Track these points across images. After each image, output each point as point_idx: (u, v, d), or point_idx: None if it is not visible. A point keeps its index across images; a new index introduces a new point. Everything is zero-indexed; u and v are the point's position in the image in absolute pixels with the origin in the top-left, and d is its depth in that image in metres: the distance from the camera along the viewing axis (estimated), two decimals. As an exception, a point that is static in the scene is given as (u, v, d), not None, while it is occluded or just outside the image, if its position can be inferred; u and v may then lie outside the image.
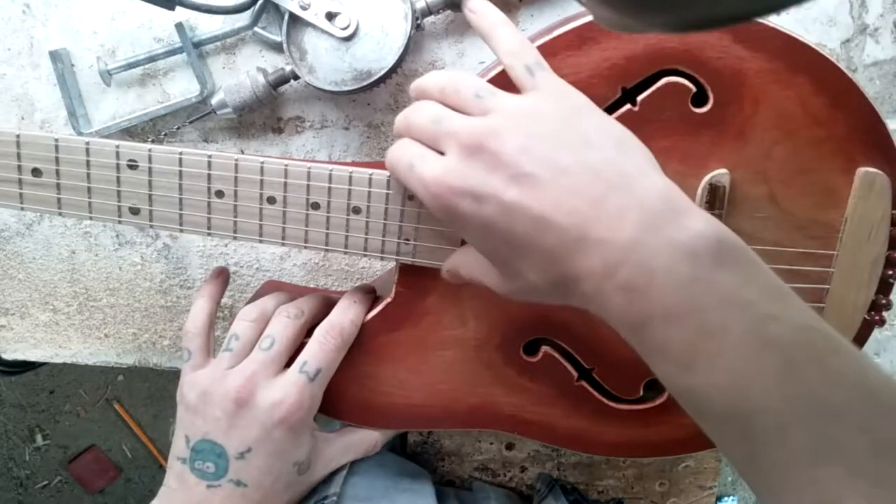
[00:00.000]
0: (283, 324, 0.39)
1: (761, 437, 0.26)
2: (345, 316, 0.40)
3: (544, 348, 0.42)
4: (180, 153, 0.38)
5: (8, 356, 0.55)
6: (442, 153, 0.32)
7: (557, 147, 0.30)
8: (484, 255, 0.33)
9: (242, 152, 0.49)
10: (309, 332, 0.41)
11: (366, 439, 0.44)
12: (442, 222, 0.36)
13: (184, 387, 0.39)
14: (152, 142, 0.48)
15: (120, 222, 0.39)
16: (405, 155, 0.33)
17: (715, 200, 0.39)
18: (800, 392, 0.26)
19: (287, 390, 0.38)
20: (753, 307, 0.27)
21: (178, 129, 0.48)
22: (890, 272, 0.41)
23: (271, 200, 0.38)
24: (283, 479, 0.39)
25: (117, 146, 0.38)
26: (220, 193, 0.38)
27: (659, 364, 0.29)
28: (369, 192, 0.38)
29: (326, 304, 0.42)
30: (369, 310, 0.42)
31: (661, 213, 0.29)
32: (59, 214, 0.39)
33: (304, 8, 0.42)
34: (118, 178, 0.38)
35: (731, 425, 0.27)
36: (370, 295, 0.42)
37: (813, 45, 0.37)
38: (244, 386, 0.37)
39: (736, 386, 0.26)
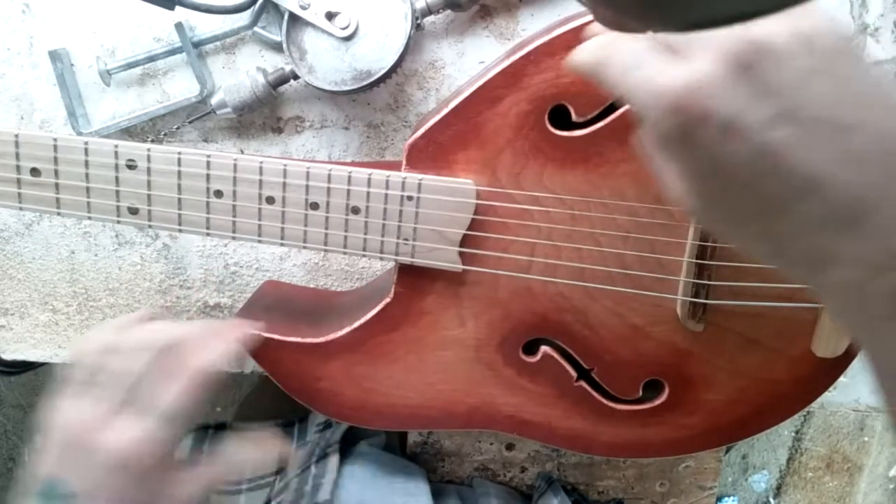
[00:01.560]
0: (134, 358, 0.36)
1: None
2: (208, 356, 0.37)
3: (543, 348, 0.42)
4: (179, 153, 0.38)
5: (7, 356, 0.55)
6: (685, 62, 0.24)
7: (839, 95, 0.23)
8: (697, 186, 0.26)
9: (242, 152, 0.49)
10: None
11: (219, 472, 0.40)
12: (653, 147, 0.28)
13: (55, 417, 0.36)
14: (152, 142, 0.48)
15: (119, 222, 0.39)
16: (625, 52, 0.26)
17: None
18: None
19: (131, 433, 0.34)
20: None
21: (177, 128, 0.48)
22: (890, 272, 0.41)
23: (270, 200, 0.38)
24: None
25: (116, 146, 0.38)
26: (218, 193, 0.38)
27: None
28: (368, 192, 0.38)
29: (195, 336, 0.38)
30: (369, 310, 0.42)
31: None
32: (58, 214, 0.39)
33: (303, 8, 0.42)
34: (117, 177, 0.38)
35: None
36: (253, 336, 0.40)
37: (813, 46, 0.37)
38: (88, 423, 0.34)
39: None
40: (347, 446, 0.53)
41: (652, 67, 0.25)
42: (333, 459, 0.48)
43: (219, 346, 0.37)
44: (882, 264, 0.23)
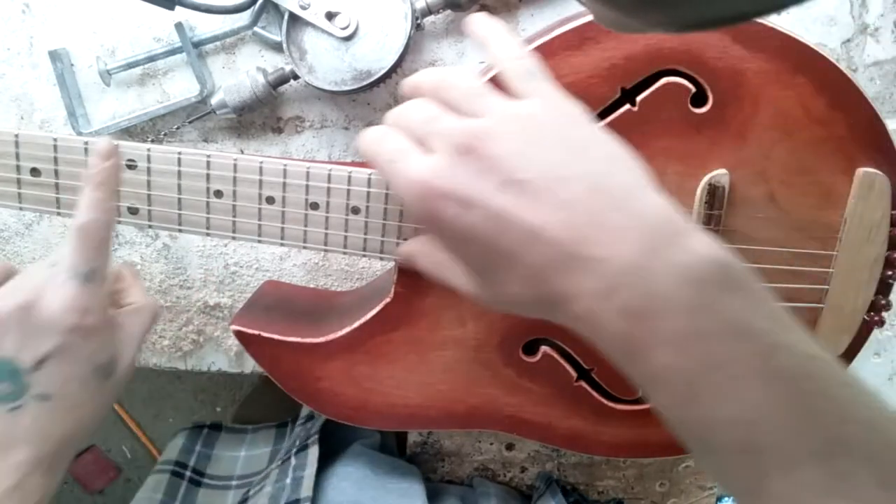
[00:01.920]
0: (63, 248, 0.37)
1: (766, 471, 0.25)
2: (84, 209, 0.36)
3: (543, 349, 0.42)
4: (179, 153, 0.38)
5: (7, 356, 0.55)
6: (428, 154, 0.30)
7: (553, 155, 0.29)
8: (462, 260, 0.31)
9: (242, 152, 0.49)
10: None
11: (141, 312, 0.40)
12: (420, 224, 0.35)
13: None
14: (152, 141, 0.48)
15: (119, 222, 0.39)
16: (388, 148, 0.31)
17: (714, 201, 0.39)
18: (808, 425, 0.25)
19: (67, 297, 0.35)
20: (761, 336, 0.26)
21: (177, 128, 0.48)
22: (889, 273, 0.41)
23: (270, 200, 0.38)
24: (90, 387, 0.36)
25: (116, 146, 0.38)
26: (218, 193, 0.38)
27: (658, 393, 0.27)
28: (368, 192, 0.38)
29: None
30: (369, 310, 0.42)
31: (663, 233, 0.27)
32: (58, 214, 0.39)
33: (303, 7, 0.42)
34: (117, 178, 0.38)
35: (737, 459, 0.26)
36: (108, 187, 0.37)
37: (813, 45, 0.37)
38: (30, 293, 0.35)
39: (744, 419, 0.25)
40: (341, 446, 0.53)
41: (403, 162, 0.30)
42: (313, 451, 0.48)
43: (82, 202, 0.36)
44: (603, 290, 0.27)
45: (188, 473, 0.54)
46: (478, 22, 0.34)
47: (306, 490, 0.44)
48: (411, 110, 0.31)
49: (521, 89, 0.31)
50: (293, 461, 0.48)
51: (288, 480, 0.46)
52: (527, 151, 0.28)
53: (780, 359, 0.25)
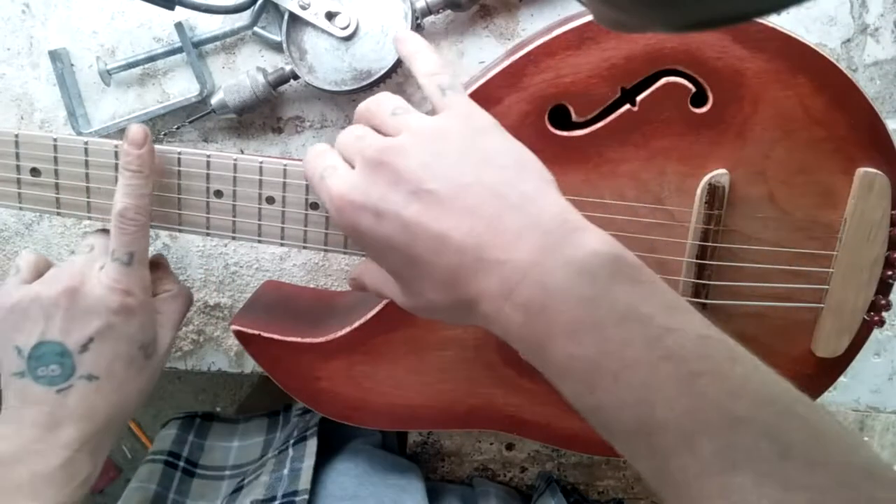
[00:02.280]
0: (98, 234, 0.40)
1: (669, 450, 0.26)
2: (124, 193, 0.37)
3: (544, 348, 0.42)
4: (179, 153, 0.38)
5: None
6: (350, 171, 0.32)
7: (459, 165, 0.30)
8: (386, 270, 0.33)
9: (242, 152, 0.49)
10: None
11: (178, 298, 0.43)
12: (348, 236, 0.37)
13: (8, 293, 0.38)
14: (152, 142, 0.48)
15: (119, 222, 0.39)
16: (319, 165, 0.33)
17: (714, 201, 0.39)
18: (703, 402, 0.26)
19: (109, 280, 0.37)
20: (651, 321, 0.27)
21: (177, 128, 0.48)
22: (889, 273, 0.41)
23: (270, 200, 0.38)
24: (134, 366, 0.39)
25: (116, 146, 0.38)
26: (218, 193, 0.38)
27: (565, 384, 0.28)
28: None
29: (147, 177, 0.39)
30: (369, 310, 0.41)
31: (558, 232, 0.29)
32: (58, 214, 0.39)
33: (303, 7, 0.42)
34: (117, 177, 0.38)
35: (639, 440, 0.27)
36: (143, 174, 0.38)
37: (813, 45, 0.37)
38: (74, 277, 0.37)
39: (639, 401, 0.26)
40: (342, 442, 0.53)
41: (330, 178, 0.32)
42: (312, 444, 0.48)
43: (119, 188, 0.38)
44: (504, 290, 0.28)
45: (181, 464, 0.55)
46: (404, 39, 0.37)
47: (304, 483, 0.44)
48: (345, 132, 0.33)
49: (437, 104, 0.33)
50: (291, 452, 0.48)
51: (285, 471, 0.46)
52: (433, 163, 0.30)
53: (670, 340, 0.27)
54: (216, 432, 0.59)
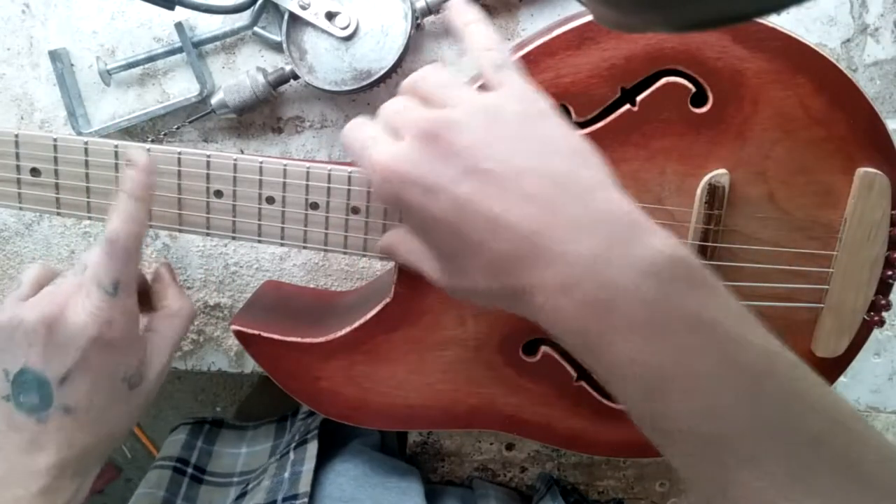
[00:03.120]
0: (94, 253, 0.36)
1: (733, 464, 0.25)
2: (120, 221, 0.35)
3: (543, 348, 0.42)
4: (179, 153, 0.38)
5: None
6: (398, 142, 0.31)
7: (516, 148, 0.29)
8: (428, 247, 0.31)
9: (242, 152, 0.49)
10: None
11: (175, 318, 0.41)
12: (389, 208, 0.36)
13: (4, 312, 0.37)
14: (152, 142, 0.48)
15: (119, 222, 0.38)
16: (361, 136, 0.32)
17: (714, 201, 0.39)
18: (772, 418, 0.25)
19: (91, 309, 0.35)
20: (722, 330, 0.26)
21: (177, 128, 0.48)
22: (889, 273, 0.41)
23: (270, 200, 0.38)
24: (116, 397, 0.37)
25: (116, 146, 0.38)
26: (218, 193, 0.38)
27: (621, 386, 0.27)
28: (368, 192, 0.38)
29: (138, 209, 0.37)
30: (369, 310, 0.42)
31: (623, 229, 0.27)
32: (58, 214, 0.39)
33: (303, 7, 0.42)
34: (117, 177, 0.38)
35: (701, 451, 0.26)
36: (144, 174, 0.36)
37: (813, 45, 0.37)
38: (55, 304, 0.35)
39: (706, 412, 0.25)
40: (341, 444, 0.53)
41: (373, 148, 0.30)
42: (312, 447, 0.48)
43: (116, 212, 0.36)
44: (563, 284, 0.27)
45: (190, 470, 0.55)
46: (458, 9, 0.34)
47: (304, 486, 0.44)
48: (389, 104, 0.32)
49: (491, 81, 0.31)
50: (291, 456, 0.48)
51: (286, 475, 0.46)
52: (491, 142, 0.29)
53: (742, 354, 0.26)
54: (225, 438, 0.59)
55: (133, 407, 0.38)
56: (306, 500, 0.43)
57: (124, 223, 0.35)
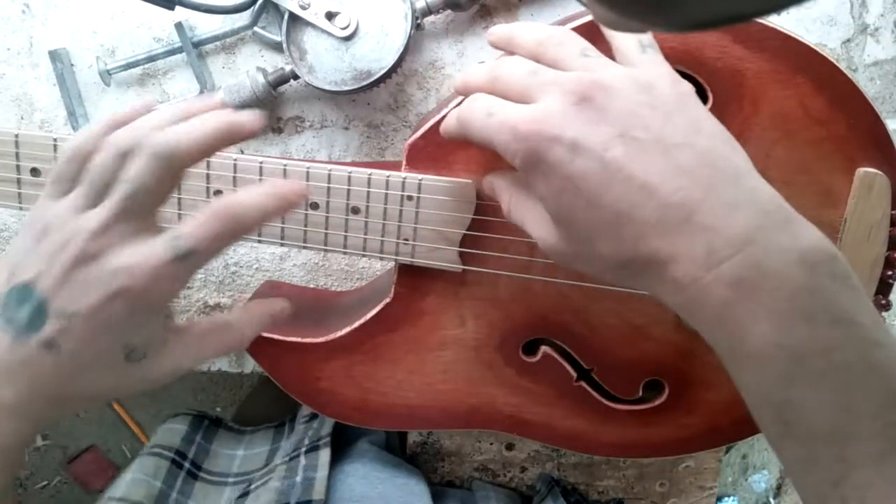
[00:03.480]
0: (152, 170, 0.30)
1: (855, 463, 0.25)
2: (253, 202, 0.31)
3: (543, 348, 0.42)
4: (179, 153, 0.38)
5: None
6: (533, 103, 0.29)
7: (669, 122, 0.28)
8: (552, 209, 0.30)
9: (242, 152, 0.49)
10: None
11: (226, 336, 0.35)
12: (518, 176, 0.32)
13: (37, 208, 0.32)
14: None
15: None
16: (483, 105, 0.30)
17: (715, 200, 0.39)
18: None
19: (143, 259, 0.29)
20: (863, 330, 0.26)
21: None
22: (889, 273, 0.41)
23: (271, 200, 0.38)
24: (106, 360, 0.31)
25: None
26: (219, 193, 0.38)
27: (754, 371, 0.27)
28: (368, 192, 0.38)
29: (218, 138, 0.32)
30: (369, 310, 0.42)
31: (776, 215, 0.27)
32: (59, 214, 0.39)
33: (303, 7, 0.42)
34: (117, 177, 0.38)
35: (825, 446, 0.26)
36: (299, 197, 0.33)
37: (813, 45, 0.37)
38: (93, 237, 0.29)
39: (840, 406, 0.25)
40: (347, 444, 0.53)
41: (503, 112, 0.29)
42: (325, 454, 0.48)
43: (269, 200, 0.31)
44: (711, 258, 0.27)
45: (187, 465, 0.55)
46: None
47: (318, 493, 0.44)
48: (510, 65, 0.31)
49: (636, 59, 0.31)
50: (303, 460, 0.48)
51: (298, 479, 0.46)
52: (642, 112, 0.28)
53: (878, 354, 0.26)
54: (222, 438, 0.59)
55: (118, 381, 0.33)
56: None
57: (255, 206, 0.31)
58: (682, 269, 0.27)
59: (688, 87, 0.31)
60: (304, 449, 0.50)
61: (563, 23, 0.38)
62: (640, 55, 0.31)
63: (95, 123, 0.32)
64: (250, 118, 0.32)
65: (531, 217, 0.32)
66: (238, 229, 0.31)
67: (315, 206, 0.38)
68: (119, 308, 0.30)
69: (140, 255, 0.29)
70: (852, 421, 0.25)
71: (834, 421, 0.25)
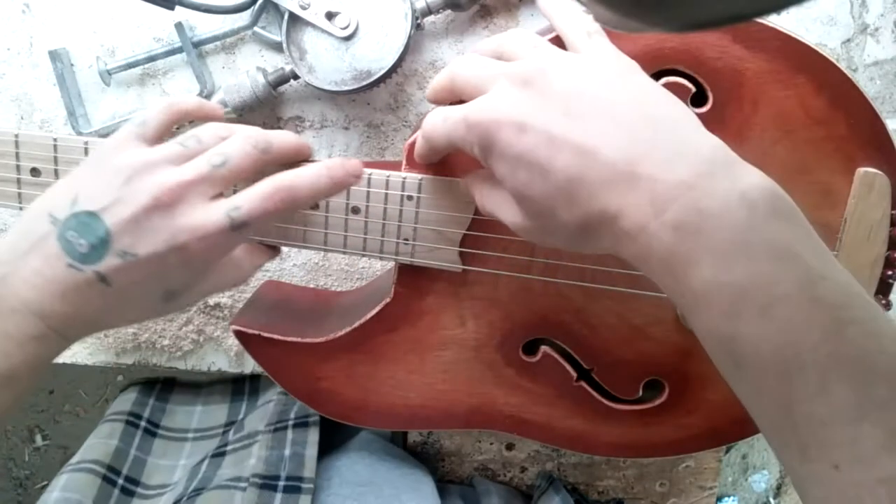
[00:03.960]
0: (245, 153, 0.33)
1: (802, 392, 0.26)
2: (308, 181, 0.33)
3: (543, 348, 0.42)
4: (179, 153, 0.38)
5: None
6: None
7: (610, 90, 0.30)
8: (512, 190, 0.32)
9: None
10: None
11: (234, 273, 0.37)
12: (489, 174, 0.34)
13: (119, 145, 0.33)
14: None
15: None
16: (438, 113, 0.33)
17: (715, 200, 0.39)
18: (845, 351, 0.26)
19: (206, 223, 0.32)
20: (804, 263, 0.27)
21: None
22: (889, 272, 0.41)
23: (271, 200, 0.38)
24: (147, 301, 0.34)
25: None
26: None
27: (700, 310, 0.28)
28: (368, 192, 0.38)
29: (297, 154, 0.36)
30: (369, 310, 0.42)
31: (717, 161, 0.29)
32: (59, 214, 0.39)
33: (303, 7, 0.42)
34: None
35: (772, 377, 0.27)
36: (352, 177, 0.35)
37: (813, 45, 0.37)
38: (174, 190, 0.31)
39: (783, 337, 0.26)
40: (349, 434, 0.53)
41: (456, 111, 0.32)
42: (314, 433, 0.48)
43: (322, 180, 0.34)
44: (655, 206, 0.28)
45: (143, 424, 0.56)
46: None
47: (309, 471, 0.45)
48: (464, 64, 0.33)
49: (584, 45, 0.33)
50: (291, 434, 0.48)
51: (286, 451, 0.47)
52: (584, 86, 0.30)
53: (822, 286, 0.27)
54: (178, 395, 0.60)
55: (150, 314, 0.36)
56: (312, 486, 0.43)
57: (311, 182, 0.33)
58: (631, 221, 0.28)
59: (633, 64, 0.33)
60: (290, 422, 0.49)
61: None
62: (587, 42, 0.33)
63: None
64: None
65: (499, 204, 0.34)
66: (292, 206, 0.33)
67: (315, 205, 0.38)
68: (173, 261, 0.32)
69: (204, 218, 0.32)
70: (796, 352, 0.26)
71: (779, 352, 0.26)
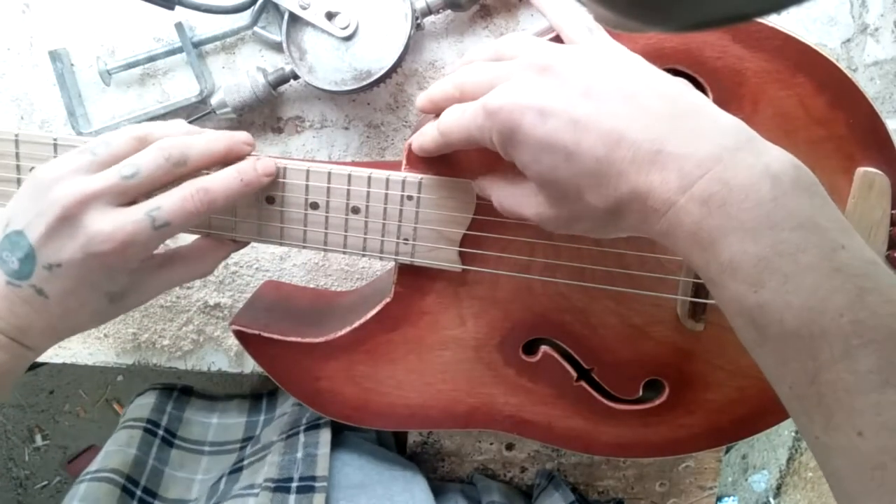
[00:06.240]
0: (158, 165, 0.34)
1: (827, 359, 0.26)
2: (222, 184, 0.35)
3: (543, 348, 0.42)
4: (179, 153, 0.37)
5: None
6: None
7: (625, 76, 0.31)
8: (536, 176, 0.32)
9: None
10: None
11: (193, 268, 0.39)
12: (503, 163, 0.34)
13: (39, 168, 0.34)
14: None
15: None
16: (457, 108, 0.33)
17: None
18: (868, 319, 0.26)
19: (121, 227, 0.33)
20: (827, 234, 0.28)
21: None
22: (890, 272, 0.41)
23: (270, 200, 0.38)
24: (91, 306, 0.35)
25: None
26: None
27: (727, 281, 0.29)
28: (368, 192, 0.38)
29: (227, 157, 0.36)
30: (369, 310, 0.42)
31: (739, 136, 0.29)
32: (59, 214, 0.39)
33: (303, 7, 0.42)
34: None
35: (797, 345, 0.27)
36: (264, 177, 0.36)
37: (813, 45, 0.37)
38: (80, 200, 0.32)
39: (807, 306, 0.27)
40: (338, 433, 0.53)
41: (470, 106, 0.32)
42: (326, 433, 0.48)
43: (235, 185, 0.35)
44: (684, 183, 0.29)
45: (161, 432, 0.55)
46: None
47: (322, 470, 0.45)
48: (472, 70, 0.34)
49: (584, 41, 0.34)
50: (302, 437, 0.48)
51: (299, 454, 0.47)
52: (599, 72, 0.31)
53: (843, 256, 0.27)
54: (194, 406, 0.60)
55: (104, 316, 0.37)
56: (325, 483, 0.43)
57: (223, 188, 0.35)
58: (660, 198, 0.29)
59: (636, 55, 0.33)
60: (302, 427, 0.50)
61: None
62: (589, 37, 0.34)
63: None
64: (247, 139, 0.37)
65: (519, 200, 0.34)
66: (210, 206, 0.35)
67: (315, 205, 0.38)
68: (95, 266, 0.33)
69: (118, 223, 0.33)
70: (821, 320, 0.27)
71: (803, 321, 0.27)
